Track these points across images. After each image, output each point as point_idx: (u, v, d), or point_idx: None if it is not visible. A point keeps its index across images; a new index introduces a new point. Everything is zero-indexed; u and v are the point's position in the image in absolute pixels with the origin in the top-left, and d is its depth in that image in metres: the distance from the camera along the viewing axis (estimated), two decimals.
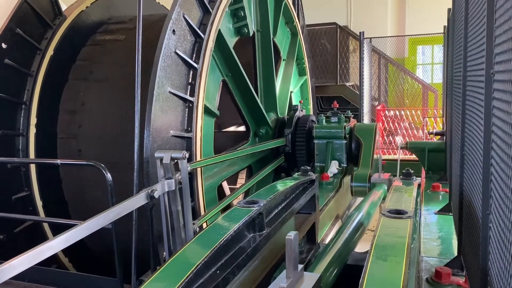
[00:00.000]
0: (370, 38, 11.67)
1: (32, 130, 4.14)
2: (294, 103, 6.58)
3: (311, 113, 6.98)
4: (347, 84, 13.35)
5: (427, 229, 3.62)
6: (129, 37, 4.41)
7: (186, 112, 3.50)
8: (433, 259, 2.97)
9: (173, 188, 2.81)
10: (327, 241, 4.13)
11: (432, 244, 3.30)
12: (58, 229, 2.92)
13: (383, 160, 5.08)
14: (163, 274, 1.66)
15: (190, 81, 3.53)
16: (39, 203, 4.15)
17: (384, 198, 3.91)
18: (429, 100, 13.21)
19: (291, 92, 6.18)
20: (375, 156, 5.34)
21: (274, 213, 2.42)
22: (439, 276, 2.55)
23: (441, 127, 9.54)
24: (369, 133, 5.39)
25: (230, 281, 1.82)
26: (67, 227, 2.04)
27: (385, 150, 11.04)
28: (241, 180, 6.54)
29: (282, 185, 2.68)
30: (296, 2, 6.66)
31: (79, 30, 4.59)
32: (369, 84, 11.55)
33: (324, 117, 5.63)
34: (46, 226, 4.18)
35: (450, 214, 3.81)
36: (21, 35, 4.09)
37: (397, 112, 12.09)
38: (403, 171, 3.35)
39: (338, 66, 13.35)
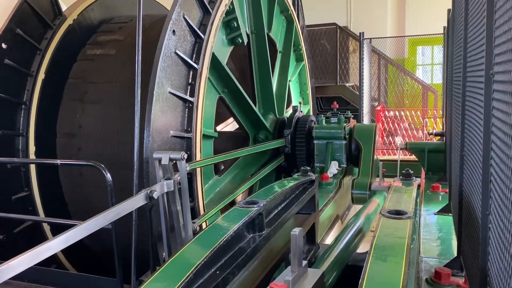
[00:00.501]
0: (370, 39, 11.68)
1: (32, 130, 4.14)
2: (292, 92, 6.54)
3: (311, 113, 6.97)
4: (347, 84, 13.35)
5: (426, 229, 3.62)
6: (119, 51, 4.36)
7: (186, 113, 3.50)
8: (433, 260, 2.97)
9: (172, 189, 2.81)
10: (326, 241, 4.14)
11: (431, 245, 3.30)
12: (58, 229, 2.92)
13: (383, 169, 5.10)
14: (163, 274, 1.66)
15: (190, 81, 3.53)
16: (39, 203, 4.14)
17: None
18: (429, 101, 13.21)
19: (289, 81, 6.11)
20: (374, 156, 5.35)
21: (273, 213, 2.42)
22: (438, 277, 2.55)
23: (441, 127, 9.55)
24: (369, 136, 5.38)
25: (229, 282, 1.82)
26: (67, 227, 2.04)
27: (384, 150, 11.06)
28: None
29: (282, 186, 2.68)
30: (296, 3, 6.66)
31: (79, 30, 4.58)
32: (369, 85, 11.55)
33: (324, 118, 5.63)
34: (46, 226, 4.18)
35: (450, 214, 3.81)
36: (21, 35, 4.09)
37: (397, 113, 12.10)
38: (403, 171, 3.36)
39: (338, 67, 13.35)
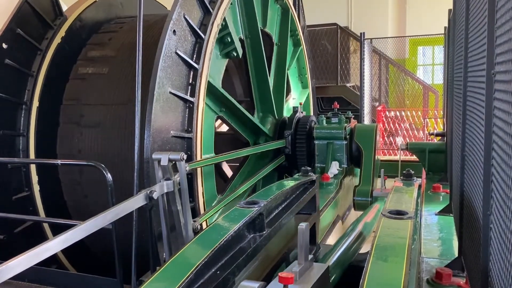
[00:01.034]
0: (371, 39, 11.68)
1: (32, 130, 4.14)
2: (291, 80, 6.45)
3: (311, 113, 6.97)
4: (348, 85, 13.35)
5: (427, 229, 3.61)
6: (112, 70, 4.30)
7: (187, 113, 3.50)
8: (434, 260, 2.96)
9: (172, 189, 2.81)
10: (327, 242, 4.14)
11: (432, 245, 3.29)
12: (58, 229, 2.92)
13: (385, 176, 5.11)
14: (163, 274, 1.66)
15: (190, 81, 3.53)
16: (39, 203, 4.14)
17: None
18: (429, 101, 13.20)
19: (287, 71, 6.01)
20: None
21: (274, 213, 2.41)
22: (439, 277, 2.54)
23: (442, 128, 9.53)
24: (370, 139, 5.37)
25: (230, 282, 1.82)
26: (67, 227, 2.04)
27: (385, 151, 11.05)
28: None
29: (282, 186, 2.68)
30: (297, 3, 6.65)
31: (79, 31, 4.58)
32: (370, 85, 11.55)
33: (325, 118, 5.63)
34: (46, 226, 4.18)
35: (451, 215, 3.80)
36: (21, 35, 4.09)
37: (398, 113, 12.09)
38: (404, 172, 3.35)
39: (339, 67, 13.35)
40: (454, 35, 3.79)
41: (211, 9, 3.75)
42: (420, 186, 3.21)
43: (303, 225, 1.93)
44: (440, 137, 7.00)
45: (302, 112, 5.81)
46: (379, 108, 12.05)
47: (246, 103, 5.62)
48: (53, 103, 4.29)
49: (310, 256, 1.99)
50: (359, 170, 5.49)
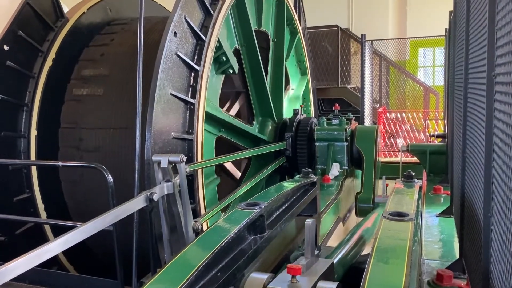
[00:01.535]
0: (372, 41, 11.67)
1: (34, 132, 4.15)
2: (289, 70, 6.36)
3: (312, 115, 6.97)
4: (349, 86, 13.35)
5: (428, 231, 3.61)
6: (107, 90, 4.26)
7: (187, 114, 3.50)
8: (435, 262, 2.96)
9: (172, 191, 2.81)
10: (328, 243, 4.14)
11: (433, 247, 3.29)
12: (59, 231, 2.92)
13: (386, 183, 5.12)
14: (163, 276, 1.65)
15: (191, 83, 3.53)
16: (40, 205, 4.14)
17: None
18: (430, 103, 13.20)
19: (285, 64, 5.92)
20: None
21: (275, 215, 2.41)
22: (440, 279, 2.54)
23: (443, 129, 9.53)
24: (370, 142, 5.36)
25: (231, 283, 1.82)
26: (68, 229, 2.04)
27: (386, 152, 11.04)
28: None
29: (283, 188, 2.68)
30: (297, 4, 6.66)
31: (81, 32, 4.59)
32: (371, 87, 11.54)
33: (325, 120, 5.63)
34: (47, 228, 4.18)
35: (452, 216, 3.80)
36: (23, 37, 4.09)
37: (399, 115, 12.08)
38: (405, 173, 3.35)
39: (339, 69, 13.35)
40: (455, 37, 3.79)
41: (212, 11, 3.75)
42: (421, 187, 3.21)
43: (309, 221, 2.00)
44: (440, 139, 7.00)
45: (302, 115, 5.82)
46: (380, 110, 12.05)
47: (245, 94, 5.55)
48: (54, 105, 4.30)
49: (316, 251, 2.05)
50: (360, 172, 5.49)
